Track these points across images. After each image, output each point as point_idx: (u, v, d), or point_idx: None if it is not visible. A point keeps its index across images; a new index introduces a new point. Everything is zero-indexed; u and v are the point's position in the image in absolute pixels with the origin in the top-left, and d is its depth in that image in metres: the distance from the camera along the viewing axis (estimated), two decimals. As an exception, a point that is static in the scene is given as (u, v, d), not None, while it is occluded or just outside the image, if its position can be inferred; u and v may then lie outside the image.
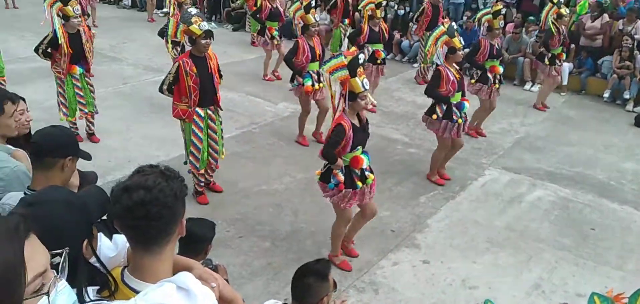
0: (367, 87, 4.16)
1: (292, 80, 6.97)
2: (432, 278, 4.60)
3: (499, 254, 4.98)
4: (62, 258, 1.32)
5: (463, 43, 5.99)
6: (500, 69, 7.34)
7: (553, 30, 8.47)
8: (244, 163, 6.55)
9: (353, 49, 4.25)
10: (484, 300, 3.67)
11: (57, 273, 1.27)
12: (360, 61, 4.10)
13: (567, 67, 10.07)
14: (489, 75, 7.24)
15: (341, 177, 4.22)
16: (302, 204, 5.62)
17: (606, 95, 9.78)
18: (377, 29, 8.33)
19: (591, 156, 7.33)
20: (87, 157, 2.49)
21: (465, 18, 11.39)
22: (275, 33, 9.77)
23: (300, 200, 5.71)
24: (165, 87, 5.10)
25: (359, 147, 4.26)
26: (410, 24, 11.46)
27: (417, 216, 5.57)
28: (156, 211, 1.45)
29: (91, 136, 6.89)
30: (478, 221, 5.53)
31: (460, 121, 5.90)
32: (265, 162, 6.67)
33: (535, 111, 9.10)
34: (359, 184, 4.29)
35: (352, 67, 4.05)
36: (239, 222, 5.24)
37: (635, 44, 9.77)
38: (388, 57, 12.35)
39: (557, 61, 8.80)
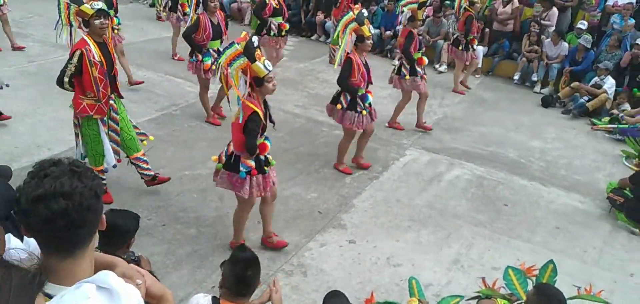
0: (270, 67, 4.09)
1: (191, 55, 6.88)
2: (359, 257, 4.70)
3: (421, 232, 5.17)
4: None
5: (372, 31, 6.02)
6: (425, 60, 7.31)
7: (474, 15, 8.85)
8: (164, 147, 6.29)
9: (243, 34, 4.12)
10: (408, 277, 3.82)
11: None
12: (255, 44, 4.01)
13: (481, 50, 10.58)
14: (418, 67, 7.18)
15: (252, 163, 4.15)
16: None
17: (516, 77, 10.42)
18: (276, 3, 8.53)
19: (503, 136, 7.78)
20: None
21: (386, 0, 11.57)
22: (188, 10, 9.31)
23: (225, 184, 5.57)
24: (66, 79, 4.45)
25: (264, 133, 4.26)
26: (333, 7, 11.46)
27: (343, 197, 5.64)
28: (80, 218, 1.32)
29: None
30: (401, 200, 5.70)
31: (364, 112, 5.78)
32: (187, 146, 6.46)
33: (452, 93, 9.48)
34: (266, 169, 4.28)
35: (249, 52, 3.95)
36: (161, 210, 5.05)
37: (543, 29, 10.46)
38: (312, 38, 12.39)
39: (472, 46, 9.21)
